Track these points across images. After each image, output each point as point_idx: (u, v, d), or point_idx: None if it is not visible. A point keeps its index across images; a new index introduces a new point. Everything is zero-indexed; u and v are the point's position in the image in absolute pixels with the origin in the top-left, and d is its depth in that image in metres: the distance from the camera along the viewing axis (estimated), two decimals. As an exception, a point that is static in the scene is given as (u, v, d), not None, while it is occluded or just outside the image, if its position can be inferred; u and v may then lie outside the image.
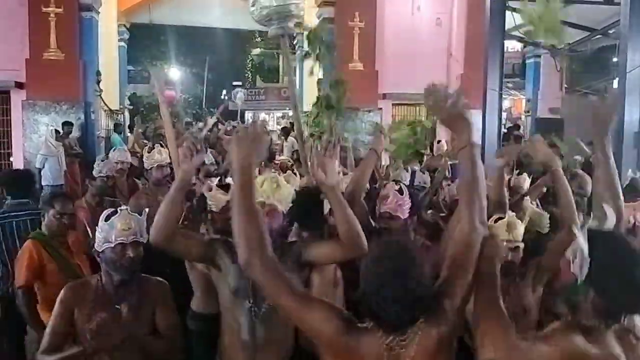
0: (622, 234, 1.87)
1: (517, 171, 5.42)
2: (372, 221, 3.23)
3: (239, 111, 11.39)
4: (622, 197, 2.32)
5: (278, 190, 2.40)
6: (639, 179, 6.47)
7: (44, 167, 8.69)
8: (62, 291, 2.51)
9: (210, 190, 3.27)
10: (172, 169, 4.20)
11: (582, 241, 1.61)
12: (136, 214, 2.51)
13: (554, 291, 2.80)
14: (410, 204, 3.08)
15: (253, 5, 3.21)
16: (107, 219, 2.46)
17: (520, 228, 2.71)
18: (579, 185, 7.63)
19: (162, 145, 4.42)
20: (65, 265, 3.37)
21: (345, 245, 2.27)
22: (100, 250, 2.46)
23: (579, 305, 1.60)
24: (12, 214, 3.84)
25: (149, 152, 4.43)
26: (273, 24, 3.21)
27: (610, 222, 1.78)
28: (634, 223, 4.06)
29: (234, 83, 25.45)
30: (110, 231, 2.43)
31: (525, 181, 4.36)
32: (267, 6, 3.11)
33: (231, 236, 2.35)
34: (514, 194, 4.18)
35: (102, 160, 4.74)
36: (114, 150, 5.42)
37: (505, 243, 2.65)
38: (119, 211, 2.48)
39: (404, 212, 3.02)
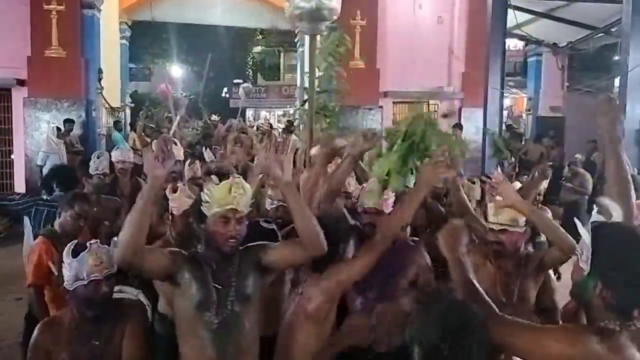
0: (626, 224, 1.85)
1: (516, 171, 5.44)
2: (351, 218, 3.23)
3: (240, 109, 11.35)
4: (633, 197, 2.25)
5: (246, 195, 2.28)
6: (637, 176, 6.49)
7: (45, 164, 8.70)
8: (35, 333, 2.38)
9: (174, 192, 3.29)
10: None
11: (587, 236, 1.61)
12: (106, 247, 2.38)
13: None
14: (394, 198, 3.09)
15: (288, 1, 3.27)
16: (74, 254, 2.32)
17: (510, 213, 2.74)
18: (580, 184, 7.66)
19: None
20: None
21: (304, 246, 2.21)
22: (71, 289, 2.31)
23: (591, 301, 1.57)
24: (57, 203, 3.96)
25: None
26: (303, 24, 3.27)
27: (616, 219, 1.78)
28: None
29: (235, 81, 25.44)
30: (80, 267, 2.29)
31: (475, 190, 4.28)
32: (301, 7, 3.14)
33: (191, 241, 2.35)
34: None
35: (97, 157, 4.69)
36: (116, 149, 5.38)
37: (492, 225, 2.81)
38: (88, 246, 2.33)
39: (388, 207, 3.01)
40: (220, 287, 2.22)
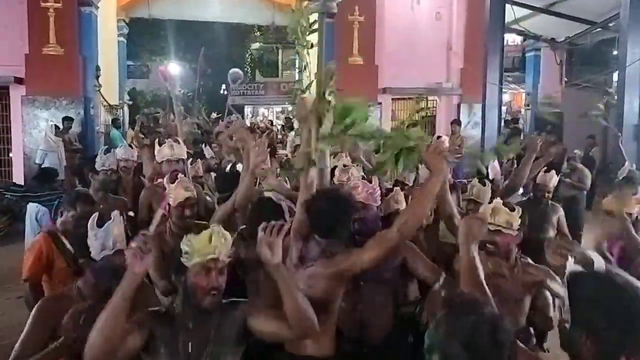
0: (602, 271, 1.86)
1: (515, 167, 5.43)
2: None
3: (227, 106, 11.21)
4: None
5: (227, 243, 2.16)
6: (636, 171, 6.50)
7: (43, 162, 8.69)
8: (41, 304, 2.40)
9: (172, 183, 3.30)
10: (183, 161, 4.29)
11: (560, 288, 1.63)
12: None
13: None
14: (379, 191, 3.14)
15: None
16: (99, 224, 2.37)
17: (505, 215, 2.79)
18: (579, 179, 7.66)
19: (159, 142, 4.42)
20: (74, 262, 3.37)
21: (292, 328, 2.07)
22: (98, 258, 2.36)
23: (580, 351, 1.56)
24: None
25: (159, 146, 4.42)
26: (314, 2, 3.24)
27: (598, 266, 1.82)
28: (637, 217, 4.07)
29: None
30: (107, 237, 2.34)
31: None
32: None
33: (188, 232, 2.29)
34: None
35: (104, 153, 4.69)
36: (120, 147, 5.36)
37: (488, 226, 2.73)
38: (112, 217, 2.37)
39: (376, 200, 3.05)
40: (192, 352, 2.07)
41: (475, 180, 4.22)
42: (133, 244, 1.91)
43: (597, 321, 1.51)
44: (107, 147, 5.48)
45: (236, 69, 11.86)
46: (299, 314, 2.05)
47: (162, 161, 4.31)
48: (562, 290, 1.74)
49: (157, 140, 4.57)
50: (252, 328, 2.15)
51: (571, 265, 1.74)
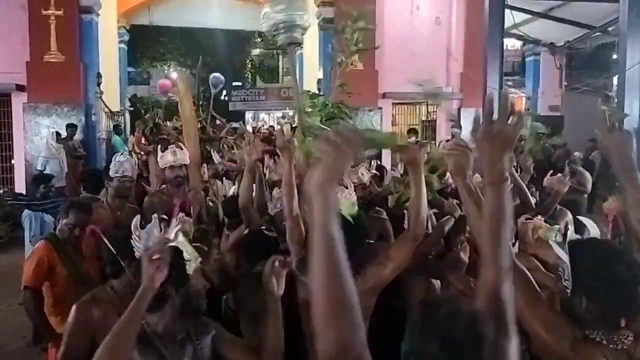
0: (601, 239, 1.89)
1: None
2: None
3: (210, 114, 11.10)
4: None
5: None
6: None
7: (45, 169, 8.71)
8: (76, 311, 2.34)
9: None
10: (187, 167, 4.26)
11: (564, 254, 1.64)
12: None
13: None
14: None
15: (263, 18, 3.33)
16: (142, 226, 2.36)
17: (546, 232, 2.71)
18: (579, 182, 7.67)
19: (161, 148, 4.43)
20: (74, 269, 3.41)
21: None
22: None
23: (580, 317, 1.60)
24: None
25: (162, 152, 4.42)
26: (281, 34, 3.27)
27: (593, 235, 1.83)
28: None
29: (234, 83, 25.46)
30: (149, 238, 2.32)
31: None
32: (273, 18, 3.23)
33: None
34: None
35: (118, 160, 4.65)
36: (121, 154, 5.31)
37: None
38: (153, 219, 2.35)
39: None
40: None
41: None
42: (155, 255, 1.79)
43: (598, 286, 1.56)
44: (122, 152, 5.41)
45: (217, 74, 11.81)
46: (280, 348, 2.02)
47: (165, 167, 4.33)
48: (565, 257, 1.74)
49: (159, 146, 4.57)
50: (222, 355, 2.12)
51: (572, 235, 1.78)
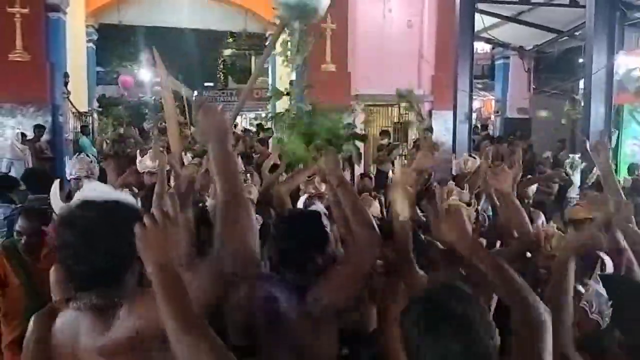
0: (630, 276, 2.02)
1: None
2: None
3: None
4: None
5: None
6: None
7: (9, 171, 8.48)
8: (33, 325, 2.14)
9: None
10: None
11: (598, 287, 1.71)
12: None
13: None
14: None
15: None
16: None
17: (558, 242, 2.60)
18: (547, 185, 7.80)
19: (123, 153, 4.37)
20: (27, 280, 3.21)
21: None
22: None
23: (608, 350, 1.65)
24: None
25: (141, 157, 4.36)
26: (293, 18, 2.85)
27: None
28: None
29: (206, 84, 25.23)
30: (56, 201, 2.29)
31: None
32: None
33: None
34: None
35: (70, 159, 4.54)
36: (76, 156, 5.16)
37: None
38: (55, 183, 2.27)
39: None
40: None
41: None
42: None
43: (633, 321, 1.64)
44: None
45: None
46: None
47: (144, 172, 4.27)
48: None
49: (138, 150, 4.50)
50: None
51: None
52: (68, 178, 4.20)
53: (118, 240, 1.45)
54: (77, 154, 4.67)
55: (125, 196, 1.59)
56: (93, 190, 1.58)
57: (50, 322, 2.00)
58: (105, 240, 1.46)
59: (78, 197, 1.57)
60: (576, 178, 7.03)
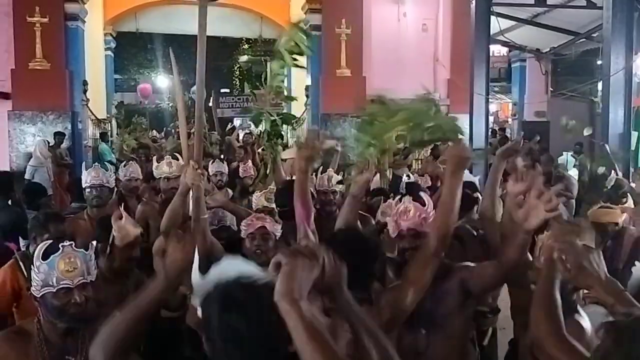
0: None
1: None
2: None
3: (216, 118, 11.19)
4: None
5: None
6: (624, 179, 6.58)
7: (33, 178, 8.62)
8: None
9: (120, 219, 2.85)
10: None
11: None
12: (82, 250, 2.08)
13: None
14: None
15: None
16: (45, 256, 2.02)
17: None
18: (566, 188, 7.74)
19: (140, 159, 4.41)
20: None
21: None
22: (38, 295, 2.03)
23: None
24: None
25: (158, 162, 4.40)
26: None
27: None
28: (623, 226, 4.11)
29: (222, 90, 25.39)
30: (50, 272, 2.00)
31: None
32: None
33: (126, 278, 2.15)
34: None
35: (124, 166, 4.52)
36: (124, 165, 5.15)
37: None
38: (60, 248, 2.04)
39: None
40: None
41: None
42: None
43: None
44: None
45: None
46: None
47: (160, 178, 4.30)
48: None
49: (155, 156, 4.53)
50: None
51: None
52: (83, 186, 4.20)
53: (281, 327, 1.34)
54: (96, 162, 4.72)
55: (270, 276, 1.45)
56: (237, 266, 1.50)
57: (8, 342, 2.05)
58: (271, 327, 1.35)
59: (221, 273, 1.47)
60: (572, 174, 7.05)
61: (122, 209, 2.93)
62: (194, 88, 11.50)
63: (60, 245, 2.04)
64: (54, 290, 1.99)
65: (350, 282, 1.76)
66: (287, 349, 1.37)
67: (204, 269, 1.66)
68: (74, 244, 2.08)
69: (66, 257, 2.02)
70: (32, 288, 2.05)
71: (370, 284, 2.27)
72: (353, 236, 2.33)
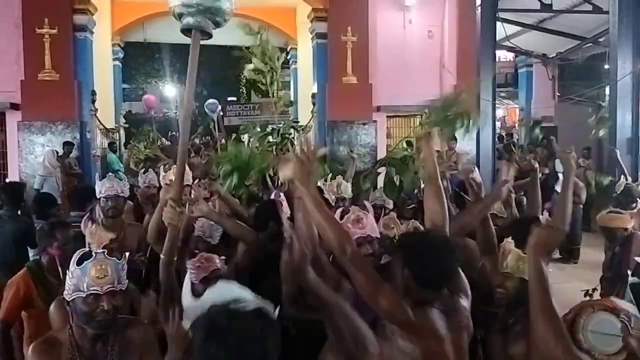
0: None
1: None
2: None
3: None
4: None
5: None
6: (633, 184, 6.54)
7: (42, 188, 8.68)
8: (30, 355, 2.14)
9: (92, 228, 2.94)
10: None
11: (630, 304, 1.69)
12: (114, 259, 2.16)
13: None
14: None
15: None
16: (79, 262, 2.12)
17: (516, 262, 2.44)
18: (574, 193, 7.70)
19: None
20: (51, 301, 3.14)
21: None
22: (69, 299, 2.12)
23: None
24: None
25: (165, 172, 4.45)
26: (190, 15, 2.66)
27: None
28: (631, 231, 4.09)
29: (229, 98, 25.49)
30: (82, 278, 2.08)
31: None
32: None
33: None
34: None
35: (99, 176, 4.65)
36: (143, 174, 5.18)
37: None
38: (93, 254, 2.13)
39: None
40: None
41: None
42: None
43: None
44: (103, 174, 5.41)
45: (211, 100, 12.00)
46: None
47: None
48: None
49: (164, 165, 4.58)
50: None
51: None
52: (98, 196, 4.23)
53: (266, 356, 1.38)
54: (109, 172, 4.78)
55: (263, 303, 1.49)
56: (229, 291, 1.51)
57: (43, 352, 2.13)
58: (255, 357, 1.37)
59: (212, 298, 1.49)
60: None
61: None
62: (208, 102, 11.65)
63: (94, 252, 2.14)
64: (84, 296, 2.07)
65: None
66: None
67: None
68: (106, 252, 2.17)
69: (98, 264, 2.10)
70: (65, 292, 2.13)
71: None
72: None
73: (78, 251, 2.19)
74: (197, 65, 2.62)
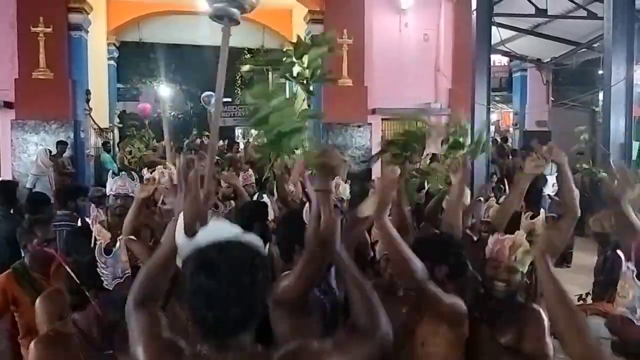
0: None
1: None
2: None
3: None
4: None
5: None
6: None
7: (34, 187, 8.63)
8: (37, 350, 2.16)
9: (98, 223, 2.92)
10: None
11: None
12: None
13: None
14: None
15: None
16: (107, 252, 2.25)
17: (523, 256, 2.53)
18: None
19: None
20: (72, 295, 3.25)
21: None
22: (110, 288, 2.23)
23: None
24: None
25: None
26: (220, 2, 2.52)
27: None
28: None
29: (224, 99, 25.46)
30: (116, 265, 2.24)
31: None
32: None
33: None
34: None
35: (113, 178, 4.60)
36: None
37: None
38: (118, 241, 2.30)
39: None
40: None
41: (493, 201, 3.98)
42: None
43: None
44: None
45: (209, 92, 11.98)
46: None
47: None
48: None
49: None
50: None
51: None
52: (107, 194, 4.25)
53: (254, 287, 1.42)
54: (104, 172, 4.77)
55: (253, 237, 1.51)
56: (221, 229, 1.51)
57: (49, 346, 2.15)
58: (244, 287, 1.40)
59: (204, 236, 1.48)
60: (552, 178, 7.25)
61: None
62: (205, 94, 11.51)
63: (118, 239, 2.33)
64: (122, 281, 2.24)
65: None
66: (263, 310, 1.47)
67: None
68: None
69: (124, 248, 2.32)
70: (105, 283, 2.22)
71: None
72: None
73: (98, 244, 2.26)
74: (227, 55, 2.53)
